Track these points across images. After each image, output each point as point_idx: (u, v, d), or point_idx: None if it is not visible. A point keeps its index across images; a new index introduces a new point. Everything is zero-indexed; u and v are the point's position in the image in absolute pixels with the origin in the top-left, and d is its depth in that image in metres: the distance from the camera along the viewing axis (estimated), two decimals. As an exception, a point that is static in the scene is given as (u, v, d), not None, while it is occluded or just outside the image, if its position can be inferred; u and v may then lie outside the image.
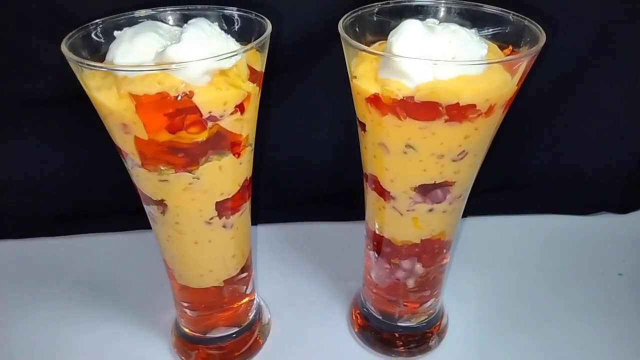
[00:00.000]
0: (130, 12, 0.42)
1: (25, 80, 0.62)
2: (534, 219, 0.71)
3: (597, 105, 0.69)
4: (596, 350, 0.53)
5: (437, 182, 0.42)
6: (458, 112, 0.36)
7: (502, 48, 0.41)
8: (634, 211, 0.72)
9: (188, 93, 0.35)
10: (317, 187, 0.73)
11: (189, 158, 0.38)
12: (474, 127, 0.38)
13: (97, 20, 0.40)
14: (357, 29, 0.42)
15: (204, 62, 0.34)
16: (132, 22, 0.42)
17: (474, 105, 0.36)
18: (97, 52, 0.40)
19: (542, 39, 0.38)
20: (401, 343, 0.53)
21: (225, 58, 0.35)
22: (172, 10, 0.44)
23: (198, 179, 0.40)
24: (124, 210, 0.61)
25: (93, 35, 0.40)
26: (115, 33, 0.38)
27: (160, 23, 0.41)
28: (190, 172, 0.39)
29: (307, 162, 0.72)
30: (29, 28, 0.58)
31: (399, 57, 0.36)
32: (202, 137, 0.37)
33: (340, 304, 0.58)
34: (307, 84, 0.65)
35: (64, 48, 0.36)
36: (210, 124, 0.37)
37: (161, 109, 0.35)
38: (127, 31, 0.38)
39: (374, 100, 0.38)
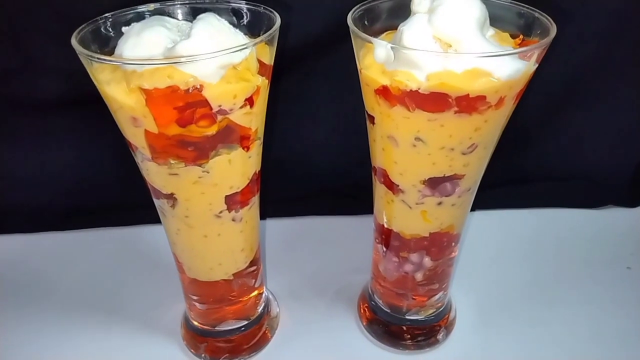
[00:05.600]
0: (139, 7, 0.42)
1: (34, 79, 0.62)
2: (542, 213, 0.71)
3: (606, 100, 0.68)
4: (604, 344, 0.53)
5: (446, 175, 0.42)
6: (468, 104, 0.36)
7: (513, 37, 0.41)
8: (643, 205, 0.71)
9: (198, 87, 0.35)
10: (325, 181, 0.73)
11: (198, 152, 0.38)
12: (484, 119, 0.38)
13: (106, 14, 0.40)
14: (366, 21, 0.42)
15: (214, 57, 0.34)
16: (141, 16, 0.42)
17: (484, 97, 0.36)
18: (107, 47, 0.40)
19: (553, 30, 0.38)
20: (409, 336, 0.53)
21: (235, 51, 0.35)
22: (180, 5, 0.44)
23: (208, 172, 0.40)
24: (133, 204, 0.61)
25: (102, 30, 0.40)
26: (124, 29, 0.38)
27: (167, 17, 0.41)
28: (200, 165, 0.39)
29: (316, 156, 0.71)
30: (38, 28, 0.58)
31: (409, 49, 0.35)
32: (212, 130, 0.37)
33: (348, 298, 0.58)
34: (315, 78, 0.65)
35: (74, 42, 0.36)
36: (219, 117, 0.37)
37: (171, 102, 0.35)
38: (135, 26, 0.38)
39: (383, 91, 0.38)
